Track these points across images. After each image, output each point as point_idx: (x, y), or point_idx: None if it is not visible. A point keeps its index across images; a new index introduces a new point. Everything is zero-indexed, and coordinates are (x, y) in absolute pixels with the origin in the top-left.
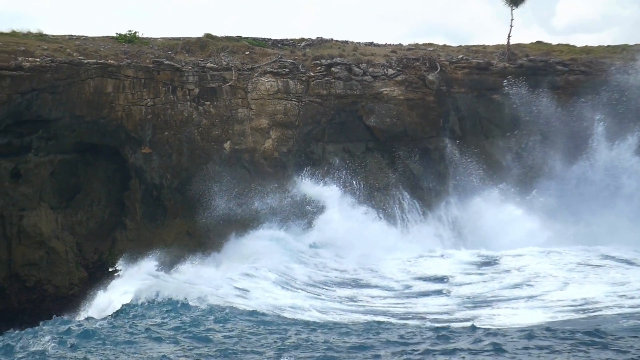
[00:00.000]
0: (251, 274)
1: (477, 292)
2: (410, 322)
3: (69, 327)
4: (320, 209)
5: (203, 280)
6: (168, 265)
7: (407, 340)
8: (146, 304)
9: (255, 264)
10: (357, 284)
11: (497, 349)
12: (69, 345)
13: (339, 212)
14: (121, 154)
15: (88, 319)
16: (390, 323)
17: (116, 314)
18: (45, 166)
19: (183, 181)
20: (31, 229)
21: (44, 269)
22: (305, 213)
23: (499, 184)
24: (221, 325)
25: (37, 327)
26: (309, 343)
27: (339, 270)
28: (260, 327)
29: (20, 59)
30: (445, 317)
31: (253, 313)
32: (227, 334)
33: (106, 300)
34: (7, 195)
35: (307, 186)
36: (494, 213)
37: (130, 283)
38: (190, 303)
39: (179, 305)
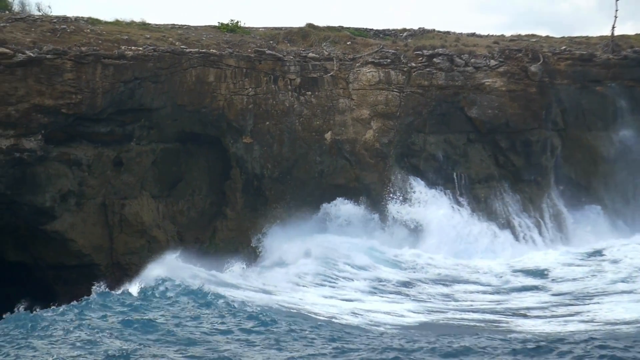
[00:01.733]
0: (332, 276)
1: (579, 286)
2: (509, 319)
3: (127, 319)
4: (418, 234)
5: (276, 285)
6: (251, 260)
7: (505, 339)
8: (201, 302)
9: (336, 266)
10: (454, 280)
11: (601, 347)
12: (130, 338)
13: (444, 244)
14: (222, 144)
15: (143, 306)
16: (489, 321)
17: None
18: (147, 155)
19: (284, 171)
20: (133, 218)
21: (145, 257)
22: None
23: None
24: (298, 330)
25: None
26: (406, 348)
27: (433, 266)
28: (347, 333)
29: (123, 47)
30: (545, 312)
31: (334, 318)
32: (308, 340)
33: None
34: (110, 184)
35: (403, 211)
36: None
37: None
38: (264, 307)
39: (249, 309)
